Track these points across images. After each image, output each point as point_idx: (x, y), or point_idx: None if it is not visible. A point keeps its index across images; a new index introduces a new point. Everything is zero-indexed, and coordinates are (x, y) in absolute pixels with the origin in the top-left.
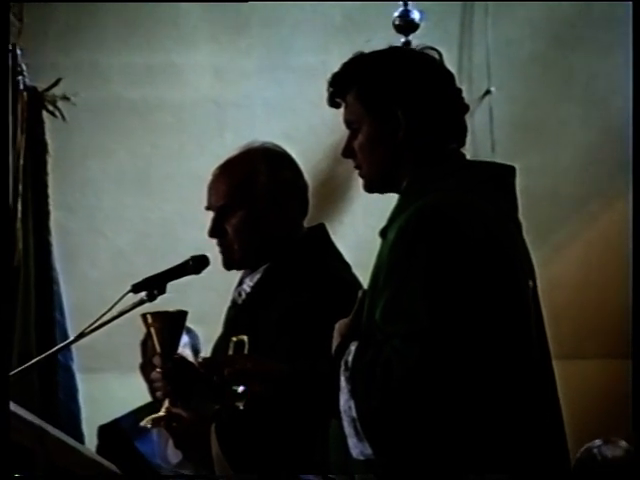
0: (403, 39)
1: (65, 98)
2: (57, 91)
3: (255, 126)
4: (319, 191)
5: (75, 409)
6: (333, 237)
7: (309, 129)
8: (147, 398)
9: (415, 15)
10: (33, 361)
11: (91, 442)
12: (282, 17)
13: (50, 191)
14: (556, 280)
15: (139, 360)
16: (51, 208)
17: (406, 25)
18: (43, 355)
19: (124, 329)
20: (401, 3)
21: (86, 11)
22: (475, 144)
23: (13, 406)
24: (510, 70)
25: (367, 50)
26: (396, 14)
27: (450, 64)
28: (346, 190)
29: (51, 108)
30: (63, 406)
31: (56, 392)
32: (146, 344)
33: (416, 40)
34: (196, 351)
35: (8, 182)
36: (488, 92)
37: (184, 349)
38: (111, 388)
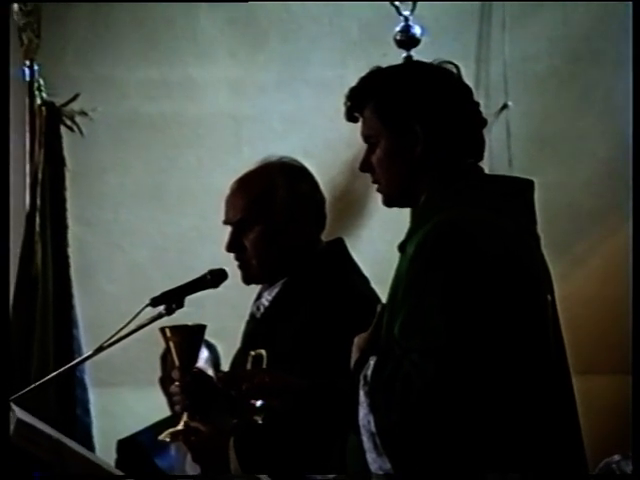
0: (405, 54)
1: (83, 113)
2: (75, 106)
3: (272, 140)
4: (336, 206)
5: (88, 422)
6: (351, 251)
7: (326, 144)
8: (164, 412)
9: (416, 30)
10: (51, 375)
11: (107, 456)
12: (299, 31)
13: (68, 205)
14: (574, 294)
15: (156, 374)
16: (69, 222)
17: (408, 40)
18: (60, 370)
19: (141, 343)
20: (402, 18)
21: (104, 26)
22: (492, 159)
23: (30, 419)
24: (527, 85)
25: (384, 64)
26: (397, 29)
27: (467, 78)
28: (363, 205)
29: (69, 123)
30: (79, 420)
31: (74, 407)
32: (166, 358)
33: (433, 55)
34: (217, 366)
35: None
36: (505, 107)
37: (205, 364)
38: (128, 402)
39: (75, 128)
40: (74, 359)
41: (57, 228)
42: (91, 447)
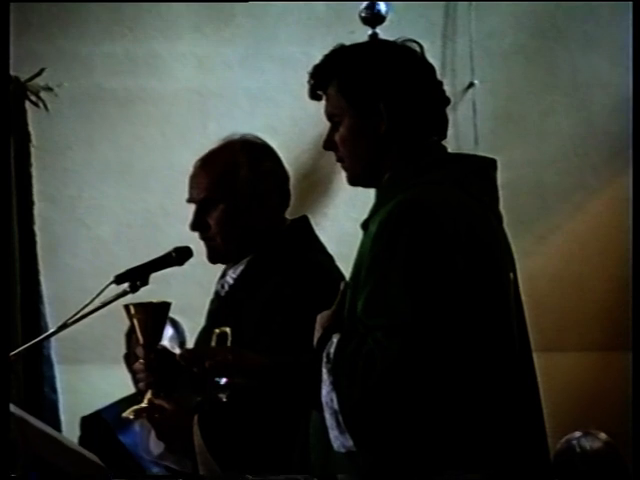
0: (370, 31)
1: (48, 88)
2: (40, 81)
3: (238, 117)
4: (302, 183)
5: (55, 399)
6: (316, 229)
7: (292, 121)
8: (129, 389)
9: (382, 7)
10: (16, 351)
11: (72, 433)
12: (266, 7)
13: (33, 181)
14: (538, 271)
15: (121, 351)
16: (35, 198)
17: (372, 17)
18: (26, 345)
19: (106, 320)
20: None
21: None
22: (458, 137)
23: None
24: (493, 62)
25: (351, 42)
26: (362, 6)
27: (433, 57)
28: (329, 182)
29: (34, 98)
30: (46, 398)
31: (42, 385)
32: (131, 336)
33: (399, 32)
34: (182, 344)
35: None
36: (472, 85)
37: (170, 342)
38: (93, 379)
39: (40, 103)
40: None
41: (23, 204)
42: (57, 424)
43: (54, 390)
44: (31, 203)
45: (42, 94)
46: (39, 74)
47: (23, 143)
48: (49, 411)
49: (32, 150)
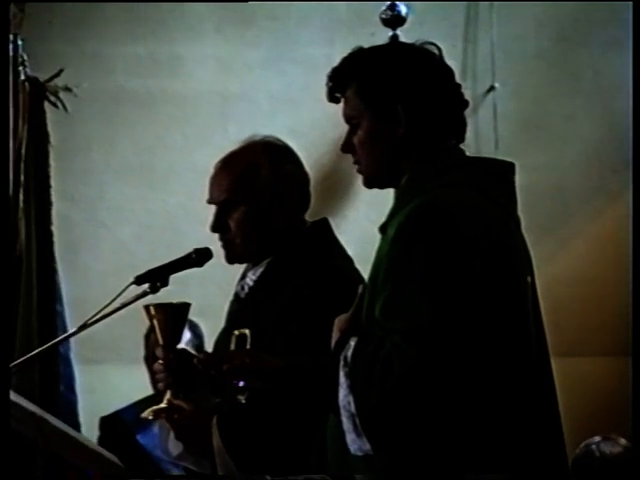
0: (391, 32)
1: (67, 89)
2: (59, 82)
3: (259, 119)
4: (322, 185)
5: (73, 399)
6: (336, 231)
7: (313, 123)
8: (148, 390)
9: (402, 9)
10: (35, 352)
11: (91, 433)
12: (288, 9)
13: (52, 182)
14: (559, 276)
15: (140, 352)
16: (53, 199)
17: (393, 19)
18: (45, 346)
19: (125, 321)
20: None
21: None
22: (479, 140)
23: (15, 396)
24: (514, 66)
25: (371, 44)
26: (383, 7)
27: (454, 59)
28: (349, 184)
29: (53, 99)
30: (62, 397)
31: (57, 384)
32: (150, 337)
33: (420, 35)
34: (200, 347)
35: (8, 171)
36: (492, 88)
37: (187, 346)
38: (112, 380)
39: (59, 104)
40: (57, 335)
41: (41, 204)
42: (76, 424)
43: (72, 390)
44: (49, 204)
45: (62, 95)
46: (58, 75)
47: (42, 144)
48: (66, 411)
49: (51, 150)
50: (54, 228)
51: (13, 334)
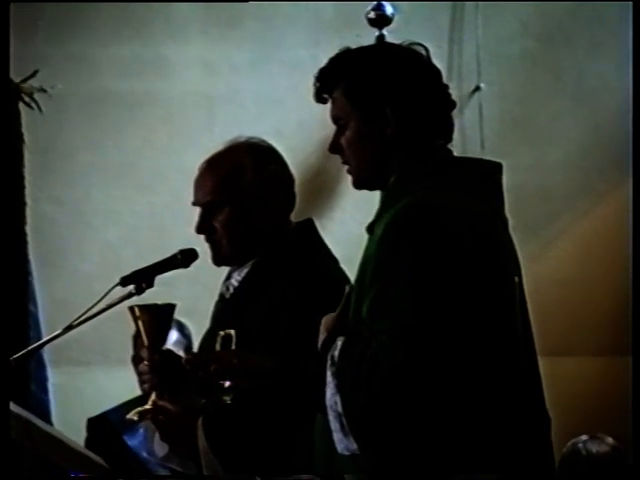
0: (377, 33)
1: (42, 90)
2: (43, 83)
3: (245, 120)
4: (308, 186)
5: (45, 399)
6: (322, 232)
7: (299, 124)
8: (136, 391)
9: (388, 9)
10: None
11: (79, 434)
12: (274, 11)
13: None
14: (545, 276)
15: (127, 353)
16: (29, 200)
17: (379, 18)
18: (33, 346)
19: (113, 322)
20: None
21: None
22: (464, 141)
23: None
24: (500, 67)
25: (357, 45)
26: (369, 7)
27: (440, 60)
28: (335, 185)
29: (27, 99)
30: (34, 397)
31: (28, 383)
32: (137, 338)
33: (406, 35)
34: (188, 347)
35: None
36: (478, 89)
37: (174, 347)
38: (99, 381)
39: (34, 105)
40: (29, 335)
41: (15, 204)
42: (48, 424)
43: (44, 390)
44: (23, 204)
45: (45, 96)
46: (33, 76)
47: (16, 144)
48: (38, 410)
49: (26, 151)
50: (28, 228)
51: None
